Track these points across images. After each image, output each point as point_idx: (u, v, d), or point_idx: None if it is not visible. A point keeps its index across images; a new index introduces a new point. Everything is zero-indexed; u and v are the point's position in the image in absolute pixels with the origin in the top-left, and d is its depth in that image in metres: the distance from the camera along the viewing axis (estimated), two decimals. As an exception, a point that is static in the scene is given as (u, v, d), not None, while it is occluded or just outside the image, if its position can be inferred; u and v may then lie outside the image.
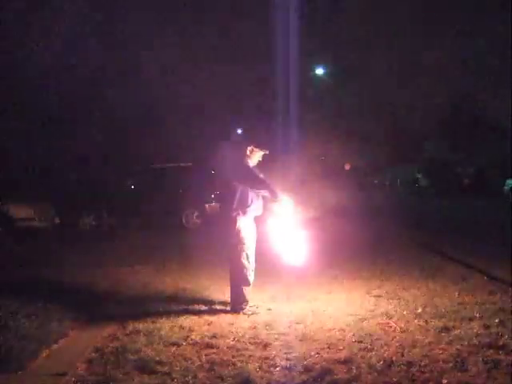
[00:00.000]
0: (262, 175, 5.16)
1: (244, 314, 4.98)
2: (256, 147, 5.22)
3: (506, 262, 6.91)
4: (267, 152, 5.29)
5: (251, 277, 5.13)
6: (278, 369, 3.62)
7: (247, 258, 5.08)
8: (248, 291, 5.10)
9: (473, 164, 25.19)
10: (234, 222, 5.06)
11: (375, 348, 3.96)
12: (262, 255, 5.47)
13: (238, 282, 5.09)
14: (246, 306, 5.05)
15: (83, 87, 15.01)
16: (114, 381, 3.48)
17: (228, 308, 5.16)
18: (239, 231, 5.06)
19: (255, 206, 5.13)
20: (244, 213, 5.08)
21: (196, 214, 13.38)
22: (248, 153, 5.19)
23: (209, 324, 4.68)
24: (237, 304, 5.07)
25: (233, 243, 5.08)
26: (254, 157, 5.23)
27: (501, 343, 3.98)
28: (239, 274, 5.08)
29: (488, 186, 21.75)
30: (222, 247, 5.35)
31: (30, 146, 15.35)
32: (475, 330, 4.29)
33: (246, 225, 5.10)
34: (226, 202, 5.14)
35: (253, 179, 5.07)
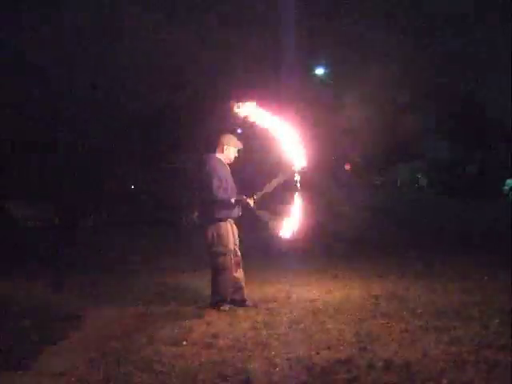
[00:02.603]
0: (220, 183, 5.09)
1: (222, 310, 5.03)
2: (229, 145, 5.26)
3: (506, 262, 6.91)
4: (241, 147, 5.32)
5: (231, 276, 5.16)
6: (277, 369, 3.62)
7: (226, 259, 5.11)
8: (228, 290, 5.14)
9: (473, 164, 25.18)
10: (214, 224, 5.11)
11: (375, 348, 3.95)
12: (261, 255, 5.47)
13: (217, 281, 5.15)
14: (223, 303, 5.11)
15: (85, 82, 15.03)
16: (115, 381, 3.48)
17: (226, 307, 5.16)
18: (218, 233, 5.10)
19: (236, 209, 5.18)
20: (222, 215, 5.11)
21: (196, 214, 13.37)
22: (226, 147, 5.24)
23: (209, 324, 4.68)
24: (215, 300, 5.14)
25: (211, 245, 5.14)
26: (230, 153, 5.28)
27: (501, 343, 3.98)
28: (218, 274, 5.13)
29: (488, 186, 21.74)
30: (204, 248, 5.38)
31: (30, 145, 15.36)
32: (475, 330, 4.29)
33: (224, 227, 5.13)
34: (205, 204, 5.18)
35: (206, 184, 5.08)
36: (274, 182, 5.17)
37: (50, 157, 16.13)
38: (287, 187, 5.19)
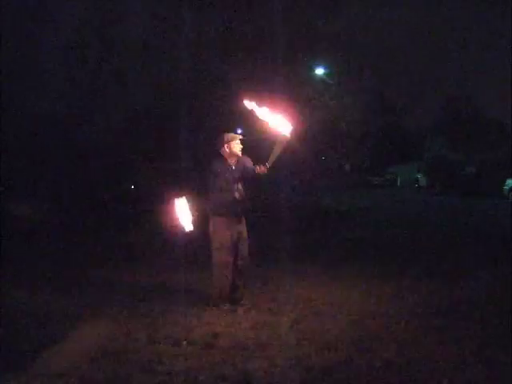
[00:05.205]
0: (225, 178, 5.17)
1: (222, 307, 5.07)
2: (231, 140, 5.29)
3: (506, 262, 6.91)
4: (241, 137, 5.34)
5: (229, 275, 5.16)
6: (278, 369, 3.62)
7: (222, 255, 5.13)
8: (225, 286, 5.15)
9: (473, 164, 25.18)
10: (211, 219, 5.21)
11: (375, 348, 3.96)
12: (260, 255, 5.47)
13: (214, 276, 5.19)
14: (221, 300, 5.13)
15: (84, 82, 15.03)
16: (115, 381, 3.48)
17: (226, 306, 5.16)
18: (214, 229, 5.18)
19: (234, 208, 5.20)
20: (215, 211, 5.18)
21: (196, 214, 13.36)
22: (226, 145, 5.27)
23: (209, 324, 4.68)
24: (211, 296, 5.20)
25: (210, 240, 5.23)
26: (235, 147, 5.30)
27: (501, 343, 3.98)
28: (215, 270, 5.18)
29: (488, 186, 21.74)
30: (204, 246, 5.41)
31: (30, 144, 15.34)
32: (475, 330, 4.29)
33: (220, 222, 5.17)
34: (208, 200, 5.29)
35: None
36: (276, 150, 5.14)
37: (50, 157, 16.13)
38: None
